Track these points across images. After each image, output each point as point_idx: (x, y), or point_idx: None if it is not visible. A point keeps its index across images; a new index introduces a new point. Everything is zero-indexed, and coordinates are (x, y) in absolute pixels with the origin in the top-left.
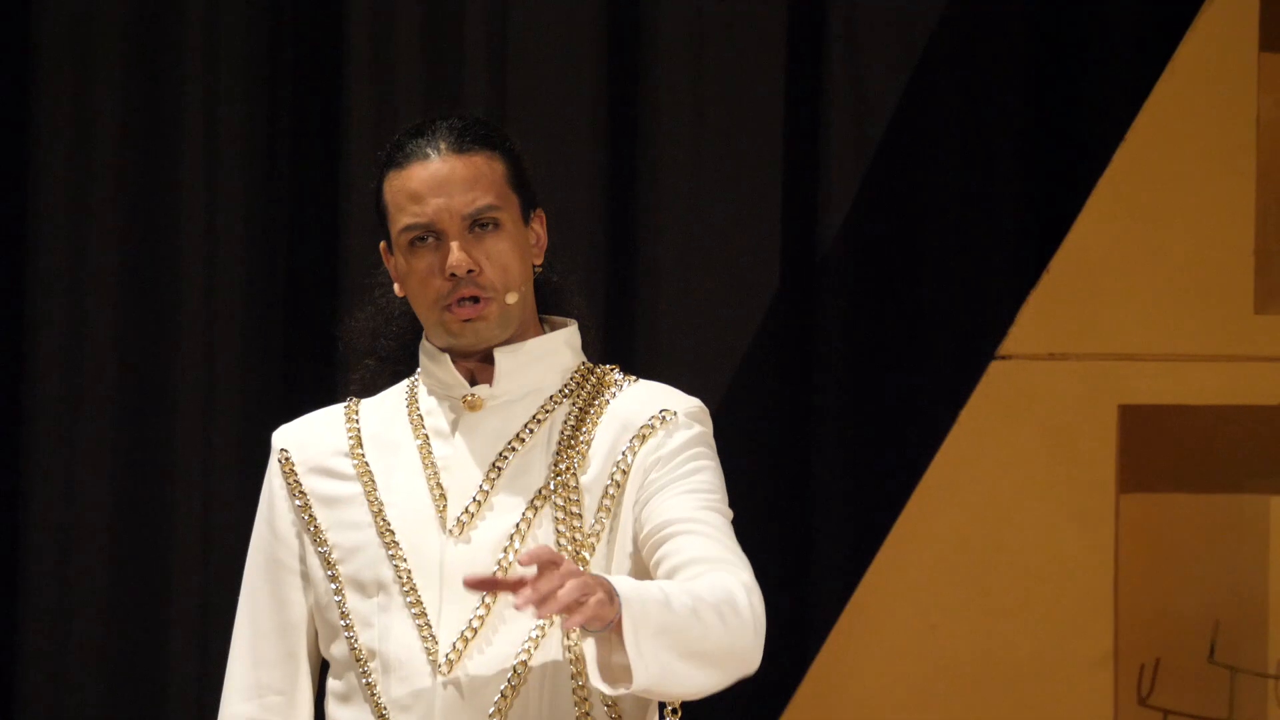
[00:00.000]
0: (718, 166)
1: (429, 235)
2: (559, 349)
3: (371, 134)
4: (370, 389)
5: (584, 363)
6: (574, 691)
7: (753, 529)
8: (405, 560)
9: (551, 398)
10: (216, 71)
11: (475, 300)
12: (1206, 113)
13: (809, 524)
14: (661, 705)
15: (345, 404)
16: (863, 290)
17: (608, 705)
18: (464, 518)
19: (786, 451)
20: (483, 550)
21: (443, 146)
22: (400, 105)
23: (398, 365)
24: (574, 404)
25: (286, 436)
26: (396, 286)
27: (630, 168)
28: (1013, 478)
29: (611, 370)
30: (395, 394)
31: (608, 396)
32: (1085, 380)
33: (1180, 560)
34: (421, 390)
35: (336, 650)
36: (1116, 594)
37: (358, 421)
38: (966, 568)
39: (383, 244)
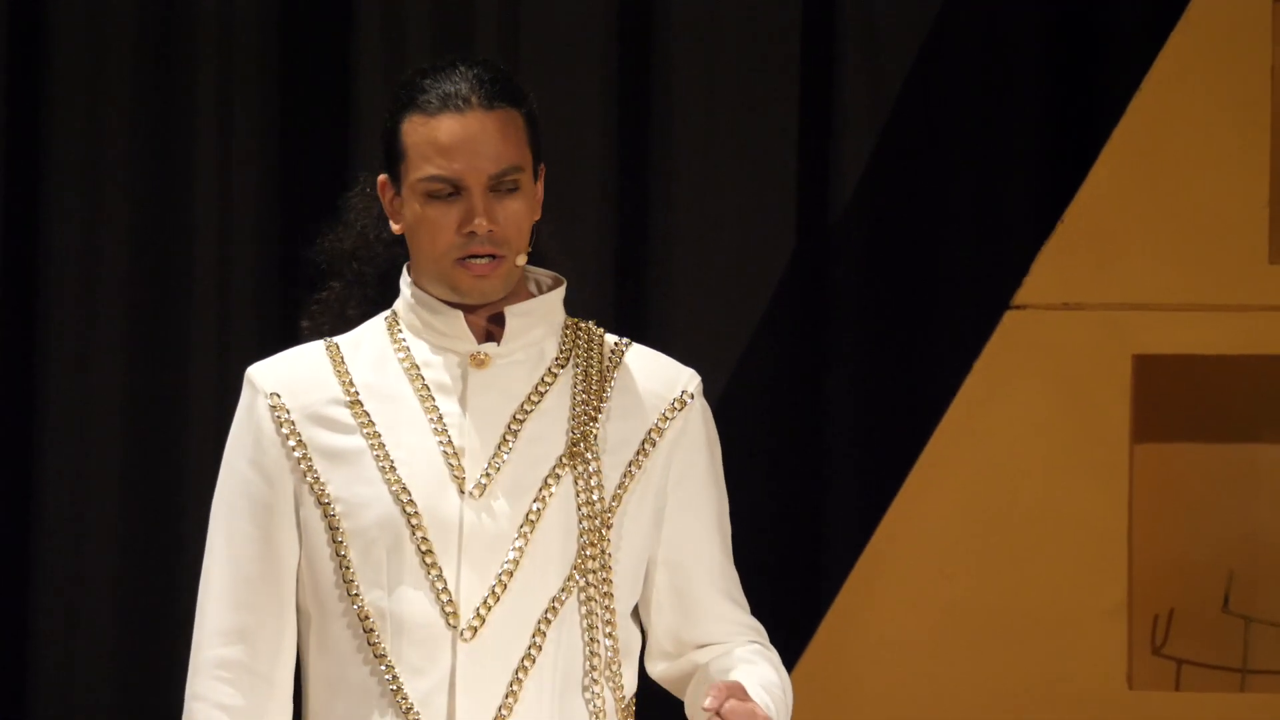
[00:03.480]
0: (732, 119)
1: (454, 188)
2: (556, 308)
3: (380, 133)
4: (333, 313)
5: (568, 318)
6: (586, 658)
7: (769, 481)
8: (421, 519)
9: (556, 359)
10: (228, 70)
11: (490, 257)
12: (1221, 64)
13: (824, 475)
14: (641, 669)
15: (323, 343)
16: (878, 241)
17: (610, 670)
18: (483, 480)
19: (803, 401)
20: (503, 514)
21: (474, 100)
22: None
23: (366, 291)
24: (576, 367)
25: (271, 378)
26: (394, 223)
27: (644, 128)
28: (1027, 427)
29: (596, 329)
30: (373, 336)
31: (609, 362)
32: (1100, 330)
33: (1194, 510)
34: (408, 338)
35: (330, 605)
36: (1130, 544)
37: (345, 366)
38: (981, 518)
39: (384, 177)
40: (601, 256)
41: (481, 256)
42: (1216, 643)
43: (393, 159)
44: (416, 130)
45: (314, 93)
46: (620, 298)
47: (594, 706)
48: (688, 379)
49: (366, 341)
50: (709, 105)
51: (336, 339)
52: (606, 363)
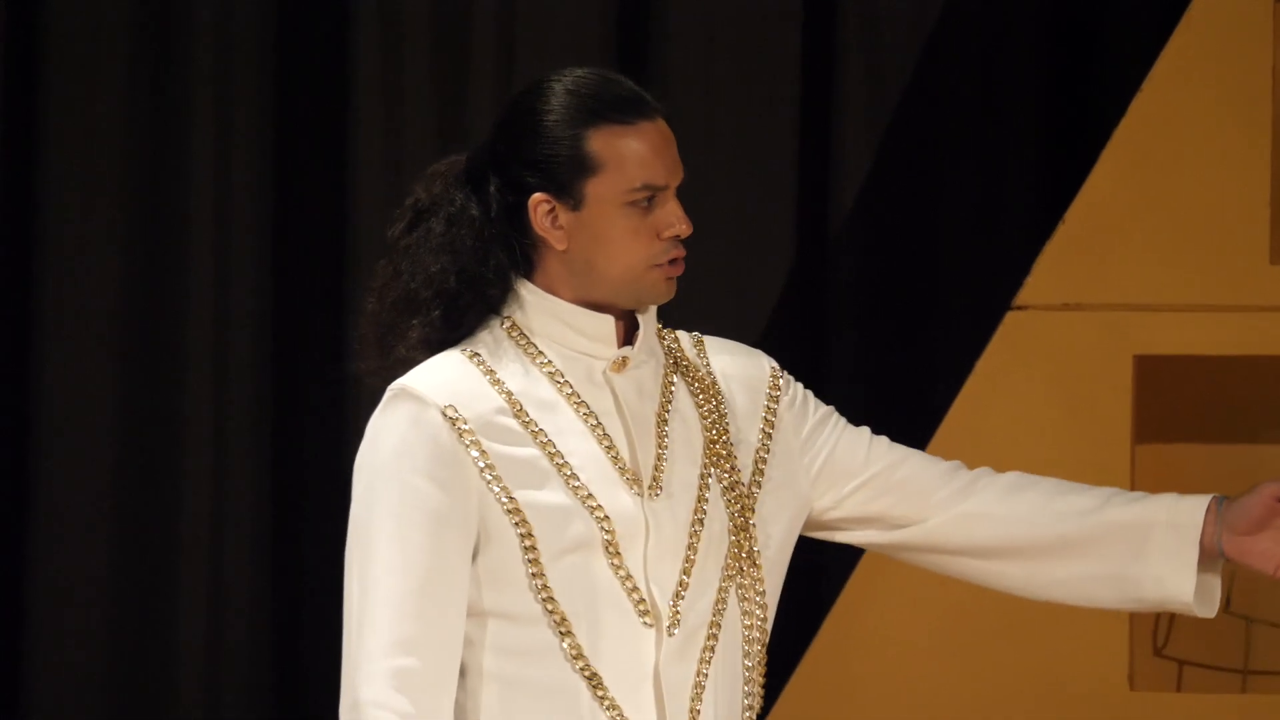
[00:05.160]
0: (731, 118)
1: (651, 196)
2: (654, 311)
3: (378, 131)
4: (435, 337)
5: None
6: (744, 644)
7: None
8: (611, 523)
9: (664, 361)
10: (225, 71)
11: (677, 261)
12: (1222, 64)
13: None
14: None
15: (461, 354)
16: (879, 242)
17: (759, 649)
18: (658, 479)
19: None
20: (678, 512)
21: (654, 110)
22: (408, 99)
23: (485, 312)
24: (680, 365)
25: (438, 391)
26: (555, 240)
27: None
28: (1028, 428)
29: (663, 328)
30: (503, 346)
31: (692, 356)
32: (1101, 331)
33: None
34: (541, 345)
35: (521, 610)
36: None
37: (498, 377)
38: None
39: (541, 195)
40: None
41: (674, 260)
42: (1218, 643)
43: (573, 174)
44: (614, 140)
45: (310, 98)
46: None
47: (749, 690)
48: (763, 356)
49: (502, 352)
50: (707, 107)
51: (472, 348)
52: (698, 356)
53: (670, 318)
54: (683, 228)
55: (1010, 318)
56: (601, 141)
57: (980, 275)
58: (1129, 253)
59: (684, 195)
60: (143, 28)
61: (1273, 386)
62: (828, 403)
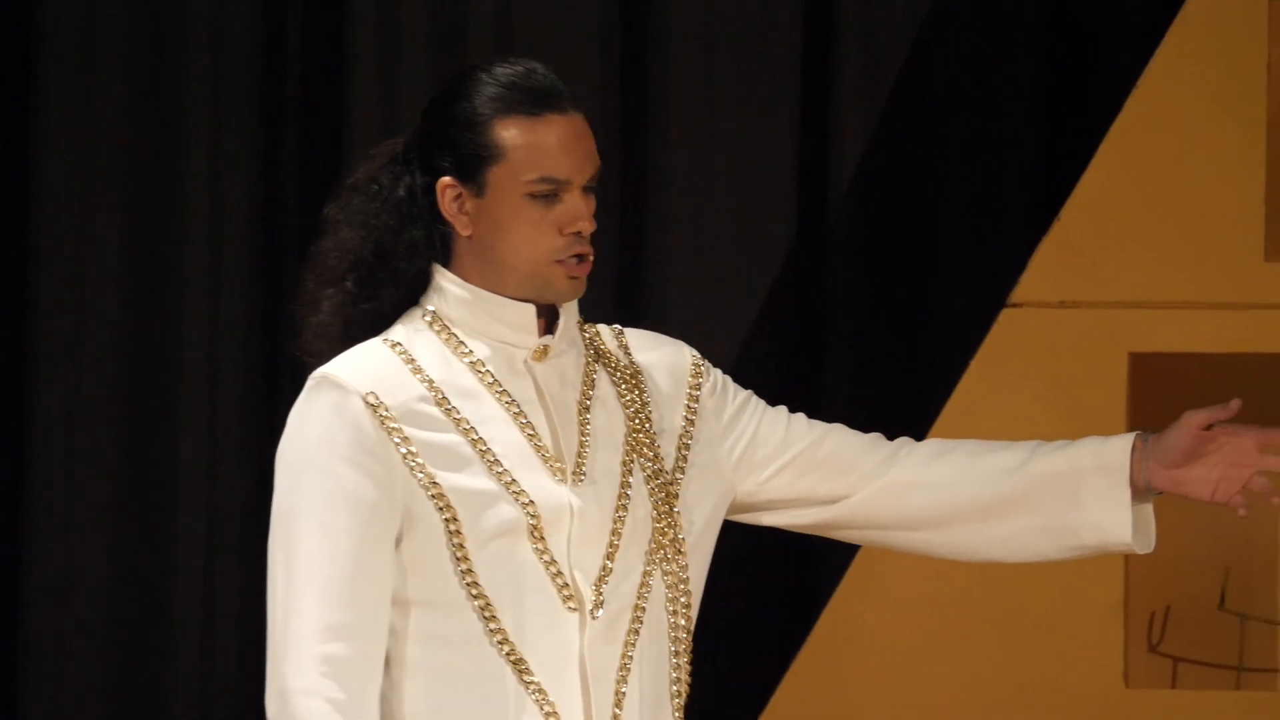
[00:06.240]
0: (730, 117)
1: (554, 190)
2: (575, 301)
3: (375, 132)
4: (365, 316)
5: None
6: (669, 628)
7: None
8: (536, 509)
9: (584, 350)
10: (221, 71)
11: (582, 258)
12: (1217, 61)
13: None
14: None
15: (383, 343)
16: (874, 239)
17: (685, 634)
18: (581, 466)
19: (798, 399)
20: (602, 498)
21: (566, 103)
22: (405, 100)
23: (400, 291)
24: (600, 354)
25: (360, 379)
26: (460, 226)
27: (641, 119)
28: (1023, 425)
29: (584, 322)
30: (424, 337)
31: (613, 347)
32: (1096, 328)
33: (1190, 508)
34: (461, 335)
35: (446, 598)
36: None
37: (419, 366)
38: None
39: (448, 179)
40: (599, 251)
41: (578, 257)
42: (1213, 640)
43: (477, 160)
44: (521, 132)
45: (307, 99)
46: (617, 297)
47: (676, 676)
48: (684, 345)
49: (422, 340)
50: (705, 102)
51: (394, 338)
52: (619, 347)
53: (667, 309)
54: (584, 224)
55: (1005, 315)
56: (507, 131)
57: (976, 272)
58: (1124, 250)
59: (682, 189)
60: (139, 28)
61: (1267, 384)
62: (825, 402)
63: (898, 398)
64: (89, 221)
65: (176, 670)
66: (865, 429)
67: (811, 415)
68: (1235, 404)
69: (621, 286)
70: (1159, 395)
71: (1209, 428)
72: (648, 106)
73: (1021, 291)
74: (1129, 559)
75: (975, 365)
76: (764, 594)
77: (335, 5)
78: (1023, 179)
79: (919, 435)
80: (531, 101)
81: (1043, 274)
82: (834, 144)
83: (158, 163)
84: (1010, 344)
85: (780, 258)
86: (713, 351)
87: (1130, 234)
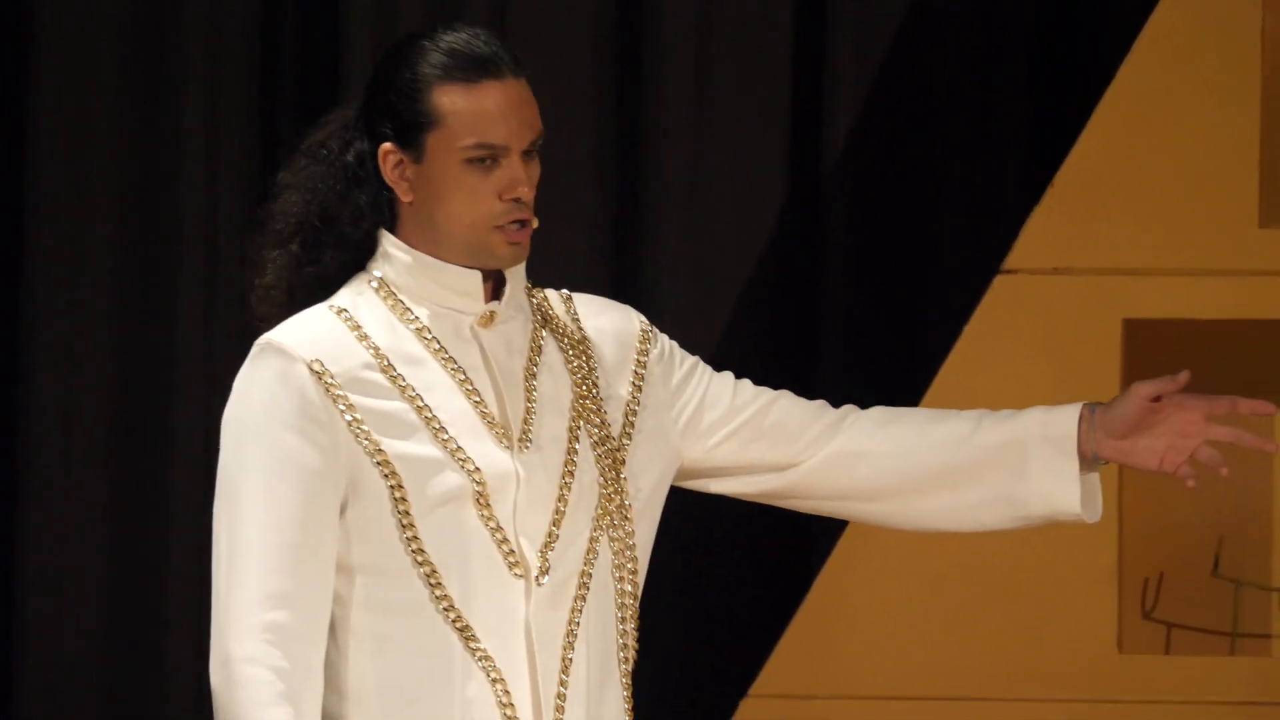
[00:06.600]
0: (724, 79)
1: (493, 156)
2: (523, 266)
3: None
4: (310, 279)
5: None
6: (615, 595)
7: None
8: (482, 475)
9: (532, 315)
10: (216, 70)
11: (523, 224)
12: (1211, 28)
13: None
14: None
15: (329, 309)
16: (868, 205)
17: (631, 600)
18: (527, 433)
19: (792, 367)
20: (548, 465)
21: (505, 69)
22: None
23: (344, 255)
24: (549, 320)
25: (305, 346)
26: (401, 192)
27: (636, 83)
28: (1017, 392)
29: (531, 286)
30: (370, 303)
31: (561, 312)
32: (1090, 294)
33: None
34: (407, 301)
35: (392, 565)
36: (1120, 507)
37: (365, 333)
38: None
39: (389, 145)
40: (595, 221)
41: (519, 222)
42: (1206, 606)
43: (416, 127)
44: (456, 98)
45: (302, 100)
46: (614, 263)
47: (624, 642)
48: (632, 311)
49: (364, 307)
50: (699, 75)
51: (339, 304)
52: (567, 313)
53: (658, 286)
54: (523, 190)
55: (999, 281)
56: (445, 97)
57: (969, 239)
58: (1118, 217)
59: (674, 164)
60: (135, 28)
61: (1261, 350)
62: (819, 369)
63: (891, 364)
64: (84, 222)
65: (175, 671)
66: (859, 395)
67: (806, 382)
68: (1184, 376)
69: (616, 236)
70: (1153, 362)
71: (1157, 399)
72: (642, 101)
73: (1015, 258)
74: (1123, 524)
75: (969, 332)
76: (755, 565)
77: (331, 6)
78: (1017, 145)
79: (912, 402)
80: (470, 68)
81: (1037, 240)
82: (828, 109)
83: (154, 163)
84: (1004, 311)
85: (773, 224)
86: (705, 321)
87: (1124, 200)
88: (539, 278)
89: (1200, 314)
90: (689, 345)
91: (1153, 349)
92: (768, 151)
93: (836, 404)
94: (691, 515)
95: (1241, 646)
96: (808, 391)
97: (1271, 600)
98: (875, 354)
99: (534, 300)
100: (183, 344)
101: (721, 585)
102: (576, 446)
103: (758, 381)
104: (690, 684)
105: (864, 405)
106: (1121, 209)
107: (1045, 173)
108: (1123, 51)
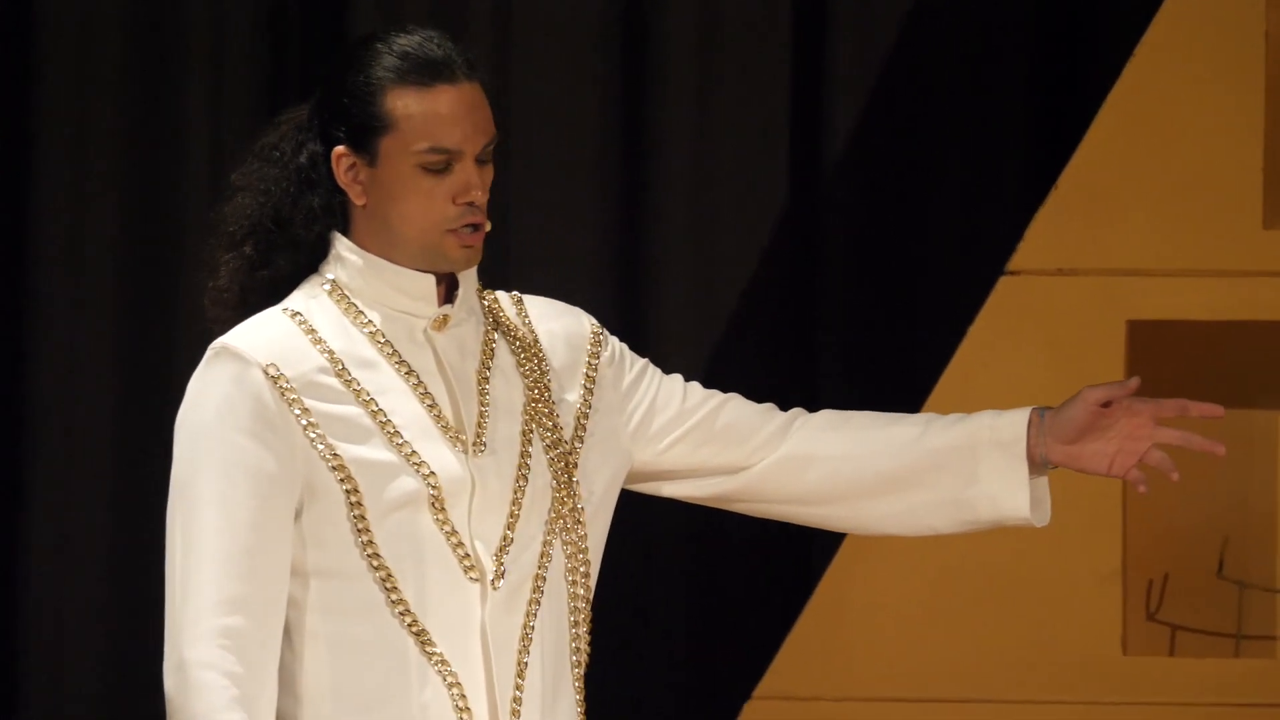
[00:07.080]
0: (725, 81)
1: (446, 160)
2: (475, 270)
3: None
4: (264, 282)
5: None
6: (569, 598)
7: None
8: (437, 479)
9: (484, 318)
10: (220, 69)
11: (476, 227)
12: (1215, 28)
13: None
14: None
15: (282, 312)
16: (871, 206)
17: (584, 603)
18: (481, 436)
19: (796, 368)
20: (502, 469)
21: (459, 73)
22: None
23: (299, 257)
24: (500, 322)
25: (259, 350)
26: (355, 195)
27: (638, 85)
28: (1021, 393)
29: (483, 288)
30: (324, 307)
31: (512, 315)
32: (1094, 295)
33: (1188, 475)
34: (360, 305)
35: (347, 568)
36: (1125, 509)
37: (319, 336)
38: None
39: (342, 148)
40: (596, 222)
41: (471, 226)
42: (1211, 608)
43: (369, 130)
44: (409, 102)
45: (308, 92)
46: (615, 264)
47: (576, 645)
48: (584, 314)
49: (318, 310)
50: (701, 77)
51: (293, 307)
52: (519, 316)
53: (664, 267)
54: (476, 194)
55: (1003, 283)
56: (398, 101)
57: (973, 240)
58: (1122, 218)
59: (676, 166)
60: (137, 26)
61: (1266, 351)
62: (822, 370)
63: (895, 366)
64: (88, 221)
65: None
66: (862, 398)
67: (809, 385)
68: (1134, 381)
69: (616, 239)
70: (1157, 363)
71: (1108, 404)
72: (644, 103)
73: (1020, 259)
74: (1127, 526)
75: (973, 333)
76: (759, 567)
77: (335, 5)
78: (1021, 146)
79: (915, 403)
80: (423, 72)
81: (1041, 241)
82: (829, 110)
83: (156, 163)
84: (1008, 312)
85: (775, 225)
86: (707, 324)
87: (1128, 201)
88: (539, 278)
89: (1204, 315)
90: (690, 346)
91: (1157, 350)
92: (769, 152)
93: (838, 407)
94: (695, 519)
95: (1246, 648)
96: (809, 392)
97: (1276, 602)
98: (878, 356)
99: (485, 303)
100: (184, 344)
101: (726, 588)
102: (529, 450)
103: (759, 383)
104: (695, 686)
105: (864, 407)
106: (1126, 210)
107: (1048, 174)
108: (1125, 52)
